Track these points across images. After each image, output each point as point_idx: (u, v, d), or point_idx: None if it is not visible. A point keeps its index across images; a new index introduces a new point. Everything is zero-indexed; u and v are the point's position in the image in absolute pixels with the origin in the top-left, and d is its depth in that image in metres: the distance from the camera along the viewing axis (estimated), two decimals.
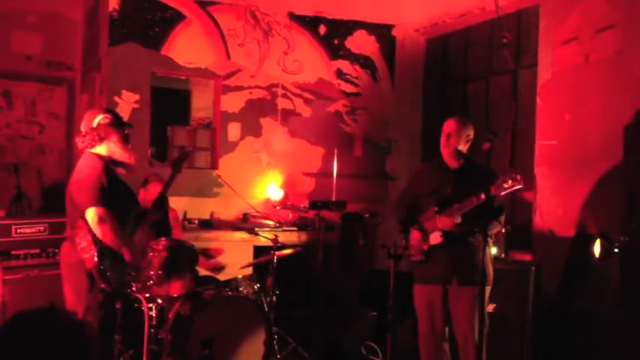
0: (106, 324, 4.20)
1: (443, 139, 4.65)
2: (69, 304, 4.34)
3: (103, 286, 4.11)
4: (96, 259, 4.07)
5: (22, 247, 5.47)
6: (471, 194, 4.32)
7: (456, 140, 4.60)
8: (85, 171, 4.27)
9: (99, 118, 4.40)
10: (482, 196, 4.20)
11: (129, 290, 4.29)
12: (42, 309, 1.77)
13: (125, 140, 4.44)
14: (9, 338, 1.87)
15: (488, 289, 4.51)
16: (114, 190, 4.29)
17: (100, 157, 4.33)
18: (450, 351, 4.70)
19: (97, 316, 4.21)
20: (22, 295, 5.20)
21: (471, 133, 4.65)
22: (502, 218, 4.58)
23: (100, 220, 4.11)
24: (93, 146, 4.36)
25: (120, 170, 4.46)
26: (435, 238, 4.52)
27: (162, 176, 5.34)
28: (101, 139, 4.35)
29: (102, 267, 4.08)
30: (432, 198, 4.60)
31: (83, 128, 4.41)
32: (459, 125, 4.64)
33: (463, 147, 4.63)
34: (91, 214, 4.12)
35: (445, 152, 4.66)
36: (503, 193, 4.17)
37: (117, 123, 4.44)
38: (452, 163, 4.67)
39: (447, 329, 4.66)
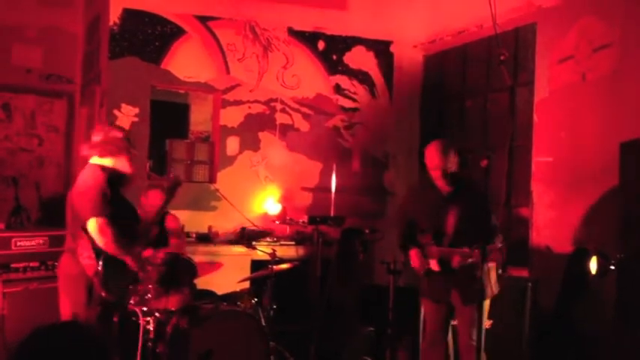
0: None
1: (428, 171, 4.67)
2: (64, 316, 4.35)
3: (103, 294, 4.15)
4: (100, 267, 4.13)
5: (21, 259, 5.48)
6: (465, 225, 4.41)
7: (438, 172, 4.61)
8: (87, 182, 4.33)
9: (118, 135, 4.53)
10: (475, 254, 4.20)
11: (127, 303, 4.33)
12: (63, 323, 1.78)
13: (131, 162, 4.60)
14: (30, 353, 1.88)
15: (487, 302, 4.54)
16: (116, 202, 4.34)
17: (102, 168, 4.39)
18: None
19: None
20: (22, 308, 5.21)
21: (452, 153, 4.63)
22: (497, 240, 4.55)
23: (102, 231, 4.18)
24: (103, 155, 4.43)
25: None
26: (434, 265, 4.55)
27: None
28: (112, 153, 4.44)
29: (104, 275, 4.13)
30: (428, 223, 4.63)
31: (96, 138, 4.48)
32: (436, 154, 4.63)
33: (452, 167, 4.62)
34: (93, 225, 4.19)
35: (435, 179, 4.69)
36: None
37: (130, 145, 4.60)
38: (444, 187, 4.69)
39: (448, 343, 4.69)
